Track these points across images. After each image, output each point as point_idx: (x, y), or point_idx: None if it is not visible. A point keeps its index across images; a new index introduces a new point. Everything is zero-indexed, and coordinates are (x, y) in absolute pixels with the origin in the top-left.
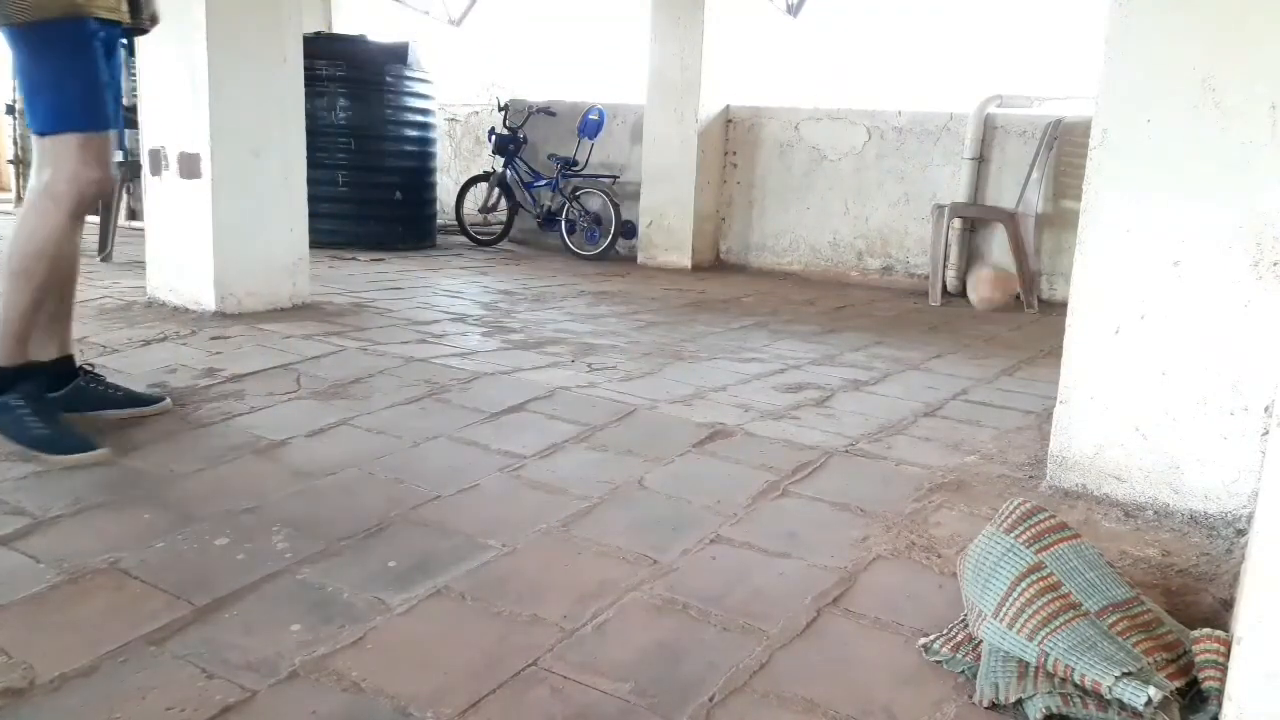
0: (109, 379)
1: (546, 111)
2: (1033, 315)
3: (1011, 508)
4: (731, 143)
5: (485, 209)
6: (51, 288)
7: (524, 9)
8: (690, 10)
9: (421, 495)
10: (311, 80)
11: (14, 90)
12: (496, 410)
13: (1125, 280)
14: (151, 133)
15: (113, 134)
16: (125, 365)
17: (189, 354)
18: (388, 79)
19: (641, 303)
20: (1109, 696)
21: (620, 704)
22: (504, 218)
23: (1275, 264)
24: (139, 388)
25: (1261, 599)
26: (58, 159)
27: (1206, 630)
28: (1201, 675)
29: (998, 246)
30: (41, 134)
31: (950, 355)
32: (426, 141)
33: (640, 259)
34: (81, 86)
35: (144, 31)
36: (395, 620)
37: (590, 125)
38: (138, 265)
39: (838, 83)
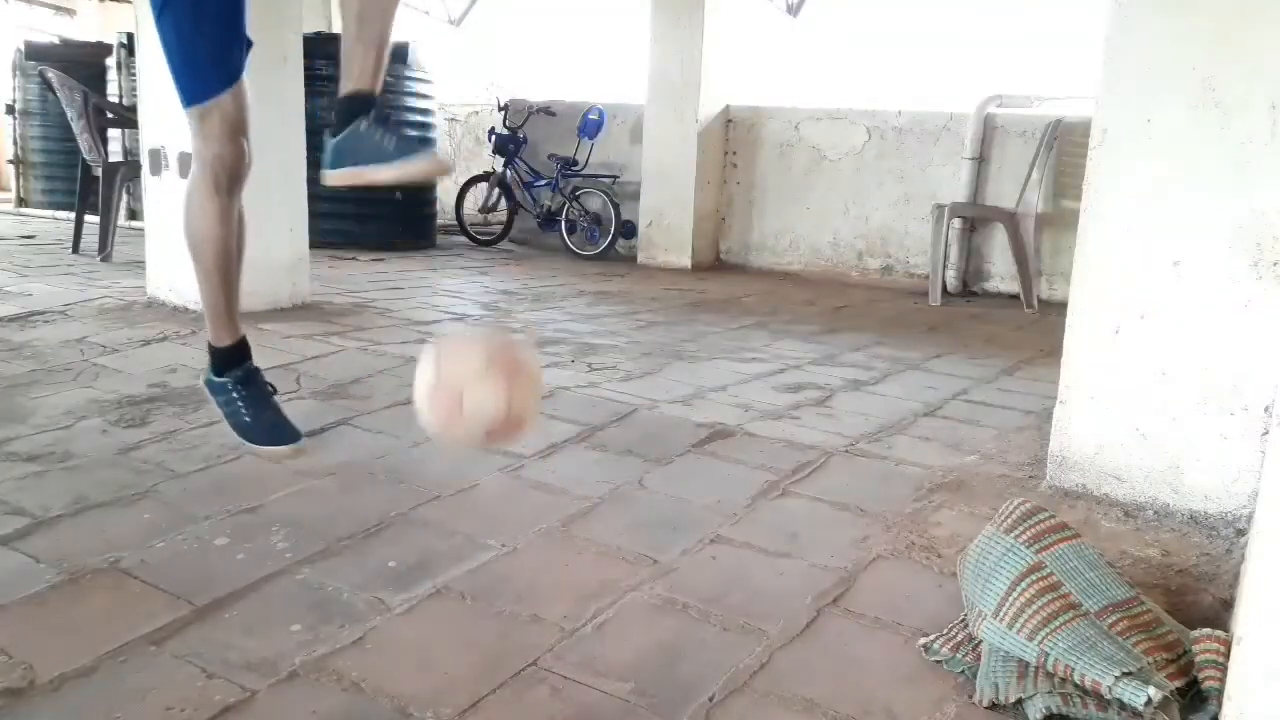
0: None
1: (546, 111)
2: (1033, 315)
3: (1011, 508)
4: (731, 143)
5: (485, 209)
6: (221, 267)
7: (524, 9)
8: (690, 10)
9: (421, 495)
10: (311, 80)
11: (13, 90)
12: None
13: (1125, 280)
14: (151, 133)
15: (226, 97)
16: (125, 365)
17: (189, 354)
18: (388, 79)
19: (641, 303)
20: (1109, 696)
21: (620, 704)
22: (504, 218)
23: (1275, 264)
24: (139, 388)
25: (1261, 599)
26: (191, 137)
27: (1206, 630)
28: (1201, 675)
29: (998, 246)
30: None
31: (950, 355)
32: (427, 142)
33: (640, 259)
34: (174, 54)
35: None
36: (395, 620)
37: (590, 125)
38: (138, 265)
39: (838, 83)
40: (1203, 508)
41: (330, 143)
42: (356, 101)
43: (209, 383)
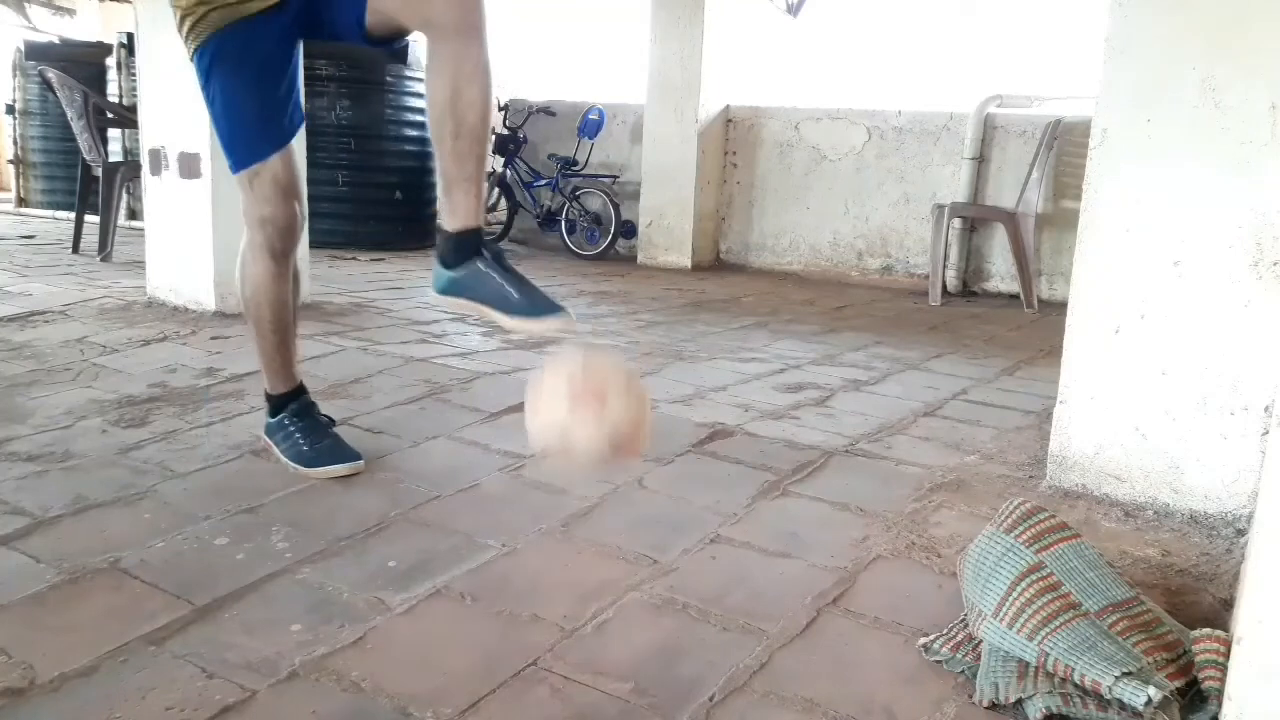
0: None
1: (546, 111)
2: (1033, 315)
3: (1011, 508)
4: (731, 143)
5: (485, 209)
6: (278, 327)
7: (524, 9)
8: (690, 10)
9: (421, 495)
10: (311, 80)
11: (13, 90)
12: (496, 410)
13: (1125, 280)
14: (151, 133)
15: (276, 159)
16: (125, 365)
17: (189, 354)
18: (388, 79)
19: (641, 302)
20: (1109, 696)
21: (620, 704)
22: (504, 218)
23: (1275, 264)
24: (139, 388)
25: (1261, 599)
26: (241, 198)
27: (1206, 630)
28: (1201, 675)
29: (998, 246)
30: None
31: (950, 355)
32: (427, 141)
33: (640, 259)
34: (220, 120)
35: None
36: (395, 620)
37: (590, 125)
38: (138, 265)
39: (838, 83)
40: (1203, 508)
41: (445, 272)
42: (469, 239)
43: (267, 427)
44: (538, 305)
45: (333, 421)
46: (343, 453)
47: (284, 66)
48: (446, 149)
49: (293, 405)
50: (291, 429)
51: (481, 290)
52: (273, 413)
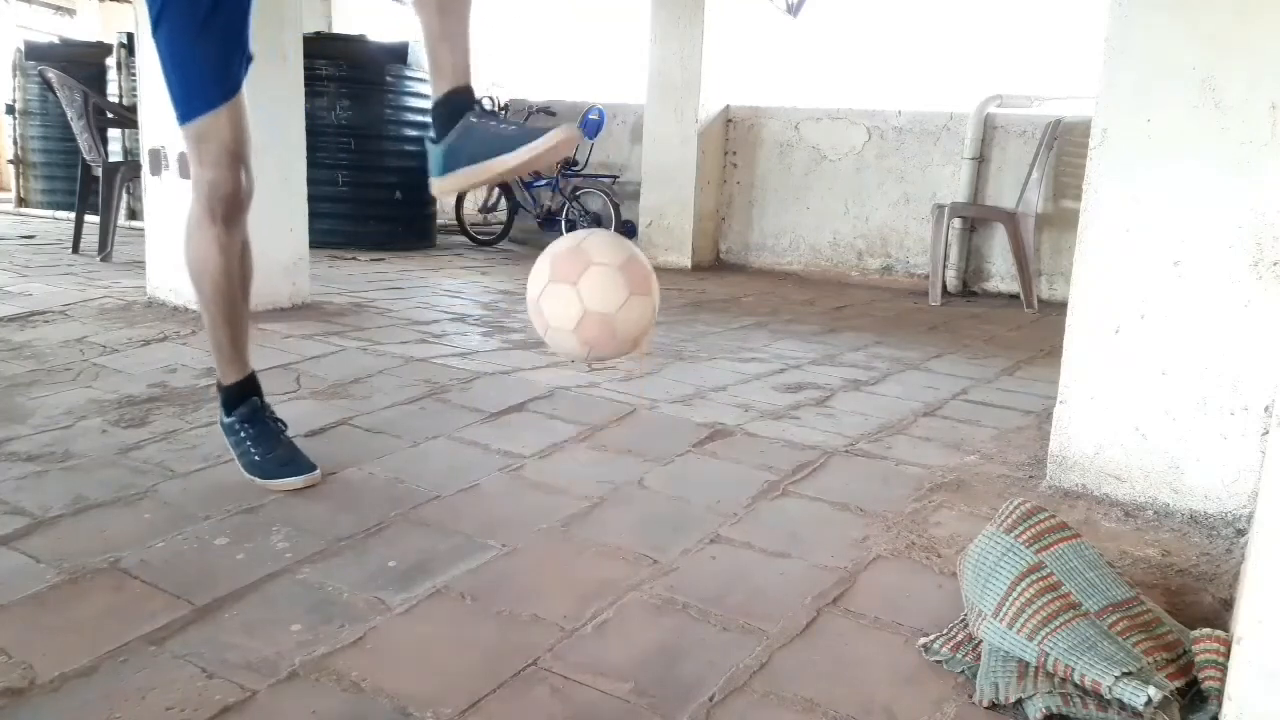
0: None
1: (546, 111)
2: (1033, 315)
3: (1011, 507)
4: (731, 143)
5: (485, 209)
6: (223, 300)
7: (524, 9)
8: (690, 10)
9: (421, 495)
10: (311, 80)
11: (13, 90)
12: (496, 410)
13: (1125, 280)
14: (151, 133)
15: (225, 120)
16: (125, 365)
17: (189, 354)
18: (388, 79)
19: None
20: (1109, 696)
21: (620, 704)
22: (504, 218)
23: (1275, 264)
24: (139, 388)
25: (1261, 599)
26: (189, 162)
27: (1206, 630)
28: (1201, 675)
29: (998, 246)
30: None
31: (950, 355)
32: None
33: None
34: (169, 66)
35: None
36: (395, 620)
37: (590, 125)
38: (138, 265)
39: (838, 83)
40: (1203, 508)
41: (436, 149)
42: (457, 98)
43: (221, 425)
44: (537, 130)
45: (285, 426)
46: (297, 464)
47: (241, 6)
48: (431, 1)
49: (242, 409)
50: (243, 434)
51: (479, 146)
52: (225, 410)
